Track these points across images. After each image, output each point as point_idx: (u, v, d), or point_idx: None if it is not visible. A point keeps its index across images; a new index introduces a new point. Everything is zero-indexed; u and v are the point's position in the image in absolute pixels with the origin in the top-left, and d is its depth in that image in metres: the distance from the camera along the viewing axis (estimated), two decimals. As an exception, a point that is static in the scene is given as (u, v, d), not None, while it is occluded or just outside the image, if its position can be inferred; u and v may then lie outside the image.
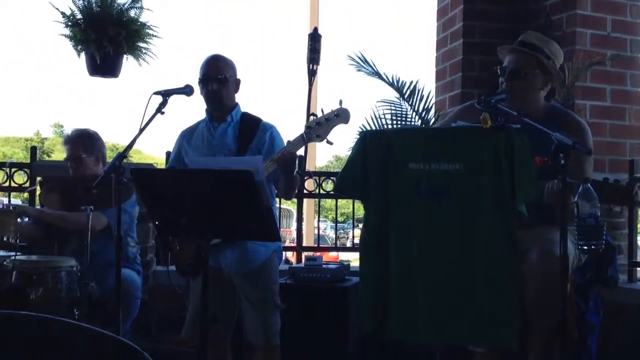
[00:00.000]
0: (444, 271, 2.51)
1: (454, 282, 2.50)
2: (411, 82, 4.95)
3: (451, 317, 2.50)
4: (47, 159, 37.30)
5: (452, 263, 2.51)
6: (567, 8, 4.51)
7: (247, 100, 3.28)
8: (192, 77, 3.15)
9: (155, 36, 4.53)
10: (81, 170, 3.58)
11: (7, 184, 4.64)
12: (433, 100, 5.03)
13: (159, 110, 2.83)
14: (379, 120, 4.98)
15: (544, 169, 2.42)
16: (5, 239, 3.16)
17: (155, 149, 37.52)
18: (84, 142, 3.62)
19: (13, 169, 4.68)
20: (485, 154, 2.45)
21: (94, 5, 4.33)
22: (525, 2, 4.81)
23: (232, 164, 2.83)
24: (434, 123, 4.87)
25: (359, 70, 5.00)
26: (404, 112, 5.02)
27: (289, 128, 3.36)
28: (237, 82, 3.20)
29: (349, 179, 2.76)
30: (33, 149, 4.94)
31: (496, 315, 2.44)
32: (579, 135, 2.75)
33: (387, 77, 5.00)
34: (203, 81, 3.11)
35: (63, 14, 4.35)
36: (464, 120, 2.87)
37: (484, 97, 2.62)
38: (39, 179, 4.44)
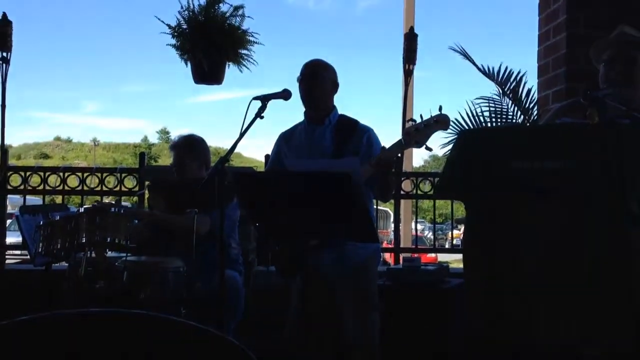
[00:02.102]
0: (552, 272, 2.42)
1: (565, 283, 2.40)
2: (518, 72, 4.81)
3: (562, 317, 2.41)
4: (154, 164, 39.17)
5: (560, 263, 2.41)
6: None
7: (343, 102, 3.30)
8: (291, 81, 3.21)
9: (257, 42, 4.62)
10: (186, 175, 3.71)
11: (117, 188, 4.92)
12: (536, 96, 4.86)
13: (259, 114, 2.89)
14: (476, 118, 4.86)
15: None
16: (117, 240, 3.31)
17: (255, 152, 38.64)
18: (189, 148, 3.76)
19: (123, 174, 4.96)
20: (593, 151, 2.34)
21: (198, 15, 4.46)
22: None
23: (330, 166, 2.85)
24: (536, 120, 4.70)
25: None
26: (505, 109, 4.88)
27: (385, 127, 3.34)
28: (335, 84, 3.22)
29: (450, 180, 2.71)
30: (142, 155, 5.20)
31: (610, 316, 2.33)
32: None
33: (487, 68, 4.87)
34: (300, 80, 3.17)
35: (169, 25, 4.51)
36: (568, 117, 2.75)
37: (589, 92, 2.50)
38: (147, 183, 4.66)
